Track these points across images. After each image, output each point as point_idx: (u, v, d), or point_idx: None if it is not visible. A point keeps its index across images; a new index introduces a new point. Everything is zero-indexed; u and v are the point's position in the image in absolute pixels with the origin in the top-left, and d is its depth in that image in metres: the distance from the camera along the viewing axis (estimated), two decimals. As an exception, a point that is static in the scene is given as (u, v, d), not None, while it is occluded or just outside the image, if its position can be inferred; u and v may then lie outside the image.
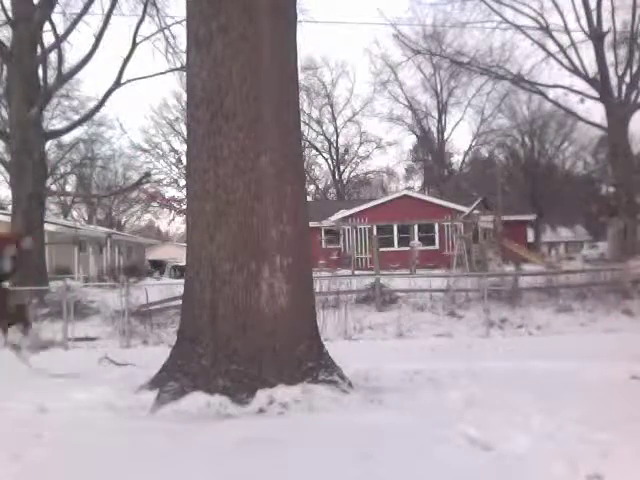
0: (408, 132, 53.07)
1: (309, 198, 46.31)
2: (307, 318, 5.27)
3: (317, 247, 28.01)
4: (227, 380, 4.79)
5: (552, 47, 26.53)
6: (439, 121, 51.44)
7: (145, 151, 48.12)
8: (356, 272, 22.17)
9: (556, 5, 25.67)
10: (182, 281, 5.58)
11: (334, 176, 54.81)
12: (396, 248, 28.72)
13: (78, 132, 36.15)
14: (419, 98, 51.39)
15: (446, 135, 52.10)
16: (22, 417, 4.52)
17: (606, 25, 25.47)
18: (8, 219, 18.35)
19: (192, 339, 5.06)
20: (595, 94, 26.19)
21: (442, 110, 50.85)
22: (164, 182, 47.34)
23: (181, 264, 30.50)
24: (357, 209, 31.88)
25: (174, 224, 63.90)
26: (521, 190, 43.48)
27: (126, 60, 17.06)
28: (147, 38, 17.81)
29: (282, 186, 5.15)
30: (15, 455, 3.65)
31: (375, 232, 27.24)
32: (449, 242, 27.61)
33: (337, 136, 54.20)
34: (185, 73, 5.98)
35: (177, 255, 41.12)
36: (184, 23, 5.69)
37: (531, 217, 35.13)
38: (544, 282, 13.85)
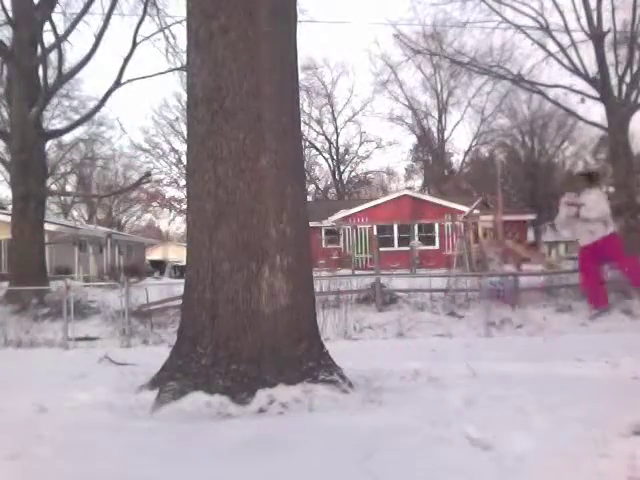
0: (408, 132, 53.15)
1: (309, 198, 46.31)
2: (307, 318, 5.27)
3: (317, 247, 28.00)
4: (227, 380, 4.79)
5: (552, 47, 26.55)
6: (439, 121, 51.55)
7: (145, 151, 48.22)
8: (356, 272, 22.18)
9: (556, 5, 25.68)
10: (182, 281, 5.59)
11: (334, 176, 54.86)
12: (396, 248, 28.74)
13: (78, 132, 36.19)
14: (419, 98, 51.58)
15: (446, 135, 52.24)
16: (22, 417, 4.52)
17: (606, 25, 25.47)
18: (8, 219, 18.37)
19: (192, 339, 5.06)
20: (595, 94, 26.18)
21: (442, 110, 50.95)
22: (164, 182, 47.50)
23: (181, 264, 30.51)
24: (357, 209, 31.90)
25: (174, 224, 63.81)
26: (521, 190, 43.50)
27: (126, 60, 17.08)
28: (147, 38, 17.84)
29: (282, 186, 5.15)
30: (15, 455, 3.65)
31: (375, 232, 27.27)
32: (449, 242, 27.63)
33: (337, 136, 54.33)
34: (185, 73, 5.98)
35: (177, 255, 41.13)
36: (184, 23, 5.70)
37: (531, 217, 35.14)
38: (544, 282, 13.86)
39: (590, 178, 6.64)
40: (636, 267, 5.93)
